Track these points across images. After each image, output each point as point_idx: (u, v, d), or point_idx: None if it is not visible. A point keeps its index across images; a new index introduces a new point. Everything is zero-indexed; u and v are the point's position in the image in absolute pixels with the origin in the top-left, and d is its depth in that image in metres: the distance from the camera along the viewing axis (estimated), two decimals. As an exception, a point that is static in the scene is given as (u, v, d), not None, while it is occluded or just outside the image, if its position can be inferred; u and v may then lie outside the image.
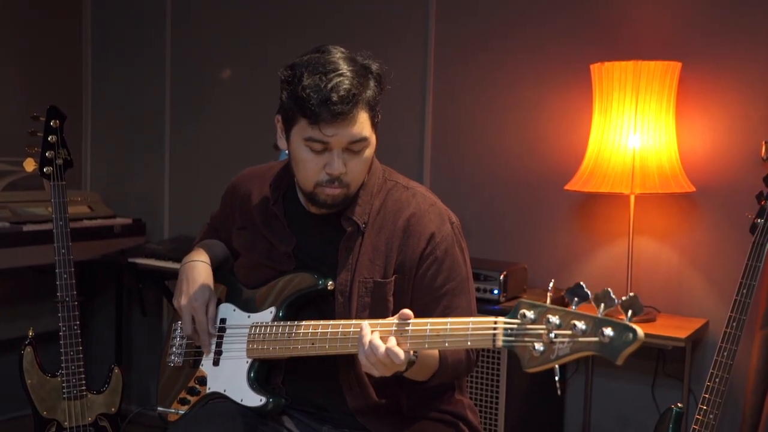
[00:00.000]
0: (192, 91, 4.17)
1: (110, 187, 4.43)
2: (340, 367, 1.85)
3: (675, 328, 2.74)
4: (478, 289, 2.84)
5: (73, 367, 2.73)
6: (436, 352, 1.76)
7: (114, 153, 4.46)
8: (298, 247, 1.93)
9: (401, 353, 1.59)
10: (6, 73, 4.07)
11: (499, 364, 2.81)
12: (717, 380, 2.29)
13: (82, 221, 3.88)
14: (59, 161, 2.78)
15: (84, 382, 2.75)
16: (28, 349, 2.72)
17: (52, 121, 2.80)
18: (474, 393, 2.86)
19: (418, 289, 1.85)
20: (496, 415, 2.82)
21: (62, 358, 2.72)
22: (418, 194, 1.92)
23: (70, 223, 3.68)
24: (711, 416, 2.28)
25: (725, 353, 2.29)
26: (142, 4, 4.33)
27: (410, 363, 1.69)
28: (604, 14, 3.09)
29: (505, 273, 2.85)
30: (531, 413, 3.02)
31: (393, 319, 1.67)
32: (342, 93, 1.70)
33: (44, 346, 2.79)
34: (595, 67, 2.82)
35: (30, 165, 2.79)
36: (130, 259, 3.74)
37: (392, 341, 1.60)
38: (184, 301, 1.99)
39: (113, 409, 2.80)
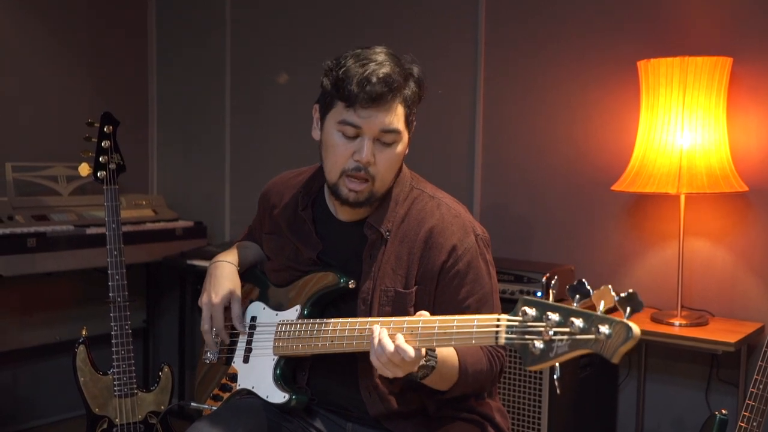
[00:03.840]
0: (251, 96, 4.25)
1: (175, 191, 4.55)
2: (360, 373, 1.86)
3: (727, 332, 2.65)
4: (521, 292, 2.82)
5: (124, 366, 2.81)
6: (456, 362, 1.76)
7: (178, 157, 4.58)
8: (324, 253, 1.95)
9: (410, 350, 1.59)
10: (75, 81, 4.23)
11: (541, 367, 2.77)
12: (761, 386, 2.20)
13: (145, 224, 4.00)
14: (112, 166, 2.87)
15: (134, 380, 2.83)
16: (81, 347, 2.81)
17: (106, 126, 2.89)
18: (516, 394, 2.82)
19: (441, 301, 1.83)
20: (539, 417, 2.78)
21: (114, 357, 2.81)
22: (443, 205, 1.90)
23: (134, 226, 3.85)
24: (755, 424, 2.19)
25: (770, 358, 2.21)
26: (203, 14, 4.44)
27: (429, 368, 1.69)
28: (652, 9, 3.01)
29: (547, 275, 2.81)
30: (580, 419, 2.96)
31: (404, 318, 1.68)
32: (381, 76, 1.74)
33: (108, 345, 2.87)
34: (641, 64, 2.76)
35: (85, 170, 2.88)
36: (190, 261, 3.84)
37: (400, 338, 1.60)
38: (205, 299, 2.03)
39: (163, 407, 2.86)
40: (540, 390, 2.77)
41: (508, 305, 1.69)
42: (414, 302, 1.84)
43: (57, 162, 3.90)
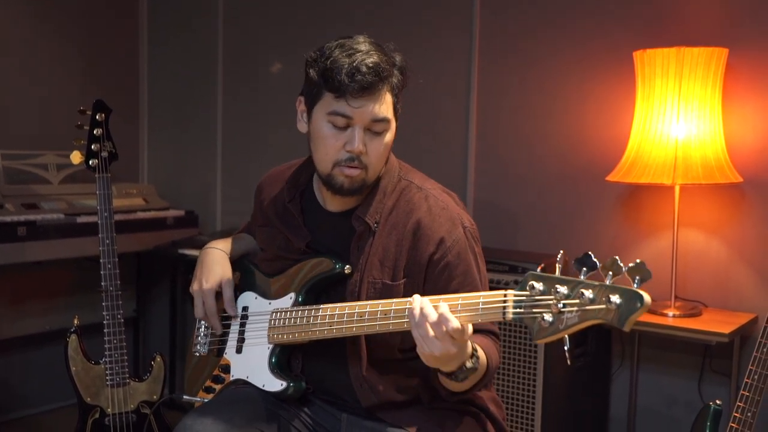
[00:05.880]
0: (244, 85, 4.23)
1: (166, 180, 4.52)
2: (351, 365, 1.85)
3: (720, 323, 2.66)
4: (515, 282, 2.81)
5: (116, 355, 2.79)
6: (485, 358, 1.74)
7: (169, 146, 4.55)
8: (313, 243, 1.94)
9: (454, 320, 1.55)
10: (66, 68, 4.19)
11: (536, 354, 2.77)
12: (756, 377, 2.21)
13: (136, 213, 3.97)
14: (104, 154, 2.83)
15: (127, 370, 2.81)
16: (73, 337, 2.79)
17: (98, 114, 2.85)
18: (509, 382, 2.82)
19: (431, 294, 1.82)
20: (533, 406, 2.78)
21: (106, 346, 2.79)
22: (431, 196, 1.88)
23: (124, 215, 3.82)
24: (749, 414, 2.20)
25: (765, 349, 2.21)
26: (195, 1, 4.41)
27: (472, 370, 1.68)
28: (648, 0, 3.01)
29: (542, 265, 2.79)
30: (573, 408, 2.97)
31: (407, 299, 1.67)
32: (371, 65, 1.73)
33: (99, 334, 2.85)
34: (637, 54, 2.75)
35: (77, 158, 2.85)
36: (181, 251, 3.82)
37: (444, 307, 1.57)
38: (195, 286, 2.03)
39: (155, 397, 2.84)
40: (534, 379, 2.78)
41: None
42: (402, 295, 1.82)
43: (47, 150, 3.87)
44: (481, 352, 1.71)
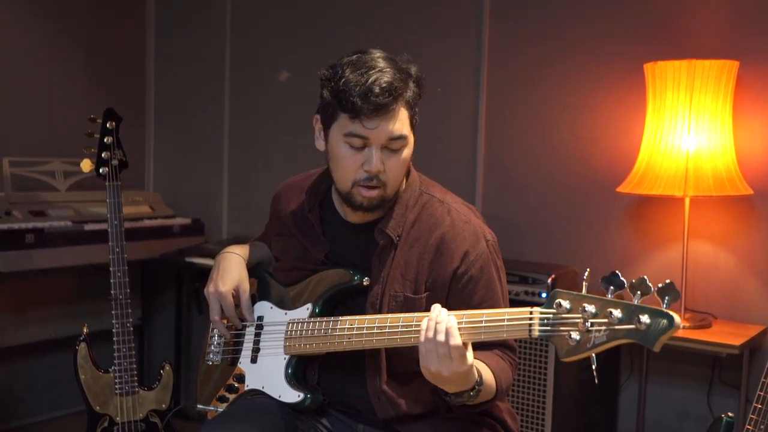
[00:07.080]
0: (250, 92, 4.23)
1: (172, 188, 4.52)
2: (369, 378, 1.85)
3: (730, 335, 2.66)
4: (526, 293, 2.82)
5: (125, 364, 2.78)
6: (493, 381, 1.76)
7: (176, 154, 4.55)
8: (332, 254, 1.94)
9: (457, 337, 1.58)
10: (72, 76, 4.20)
11: (546, 365, 2.77)
12: (769, 389, 2.20)
13: (142, 221, 3.97)
14: (115, 162, 2.83)
15: (136, 378, 2.81)
16: (83, 345, 2.79)
17: (109, 122, 2.85)
18: (520, 395, 2.82)
19: (453, 308, 1.81)
20: (543, 418, 2.78)
21: (115, 354, 2.78)
22: (453, 210, 1.89)
23: (131, 223, 3.81)
24: (762, 427, 2.19)
25: (777, 361, 2.21)
26: (202, 9, 4.42)
27: (469, 398, 1.69)
28: (659, 12, 3.02)
29: (553, 276, 2.81)
30: (582, 419, 2.96)
31: (427, 313, 1.67)
32: (384, 85, 1.71)
33: (104, 343, 2.84)
34: (648, 66, 2.76)
35: (87, 166, 2.86)
36: (188, 259, 3.82)
37: (452, 320, 1.60)
38: (211, 288, 2.01)
39: (164, 406, 2.84)
40: (544, 391, 2.77)
41: (514, 306, 1.68)
42: (424, 308, 1.82)
43: (53, 156, 3.87)
44: (488, 378, 1.72)
